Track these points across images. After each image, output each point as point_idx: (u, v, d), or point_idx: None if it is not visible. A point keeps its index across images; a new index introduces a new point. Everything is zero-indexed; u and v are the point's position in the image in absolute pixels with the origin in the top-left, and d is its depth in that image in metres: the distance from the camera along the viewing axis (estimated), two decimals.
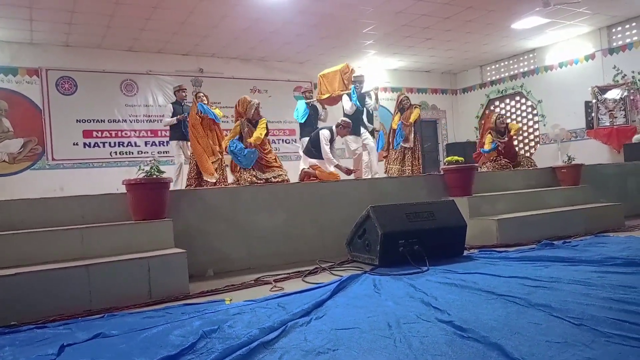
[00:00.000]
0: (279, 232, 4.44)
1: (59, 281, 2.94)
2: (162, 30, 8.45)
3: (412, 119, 7.29)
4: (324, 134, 6.12)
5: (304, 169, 6.08)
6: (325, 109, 7.69)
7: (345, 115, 6.84)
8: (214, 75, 10.07)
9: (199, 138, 6.34)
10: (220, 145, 6.38)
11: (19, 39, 8.38)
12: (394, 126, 7.45)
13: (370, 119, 8.32)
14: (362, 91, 7.18)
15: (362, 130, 7.07)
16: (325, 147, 6.06)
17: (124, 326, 2.53)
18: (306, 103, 7.70)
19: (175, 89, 7.43)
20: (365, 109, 7.10)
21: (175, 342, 2.18)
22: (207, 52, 9.84)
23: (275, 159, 5.53)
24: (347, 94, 6.86)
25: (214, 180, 6.20)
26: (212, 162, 6.29)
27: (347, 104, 6.88)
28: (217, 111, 6.59)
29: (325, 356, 1.96)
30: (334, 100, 7.19)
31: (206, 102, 6.53)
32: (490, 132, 7.06)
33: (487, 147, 7.03)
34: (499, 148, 7.02)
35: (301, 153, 7.05)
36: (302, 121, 7.67)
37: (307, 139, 6.95)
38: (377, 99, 7.33)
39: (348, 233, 4.21)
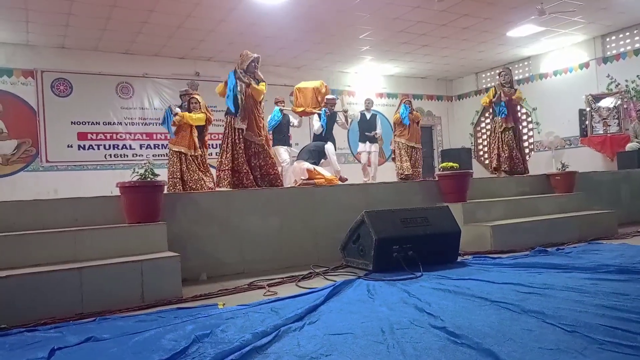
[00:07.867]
0: (273, 237, 4.43)
1: (50, 284, 2.92)
2: (158, 34, 8.45)
3: (417, 119, 8.49)
4: (333, 148, 6.52)
5: (302, 179, 6.03)
6: (300, 117, 7.78)
7: (314, 133, 7.24)
8: (211, 79, 10.01)
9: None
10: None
11: (14, 40, 8.36)
12: (397, 119, 8.39)
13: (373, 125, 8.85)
14: (335, 110, 7.35)
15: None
16: (335, 158, 6.47)
17: (116, 330, 2.51)
18: (280, 110, 7.64)
19: (181, 93, 7.34)
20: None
21: (167, 347, 2.17)
22: (204, 55, 9.85)
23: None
24: (318, 113, 7.02)
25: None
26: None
27: (316, 124, 7.17)
28: (199, 115, 6.62)
29: None
30: (308, 114, 7.34)
31: (199, 107, 6.62)
32: None
33: None
34: None
35: (287, 159, 7.41)
36: (272, 129, 7.54)
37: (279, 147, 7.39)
38: (346, 119, 7.55)
39: (342, 238, 4.21)
